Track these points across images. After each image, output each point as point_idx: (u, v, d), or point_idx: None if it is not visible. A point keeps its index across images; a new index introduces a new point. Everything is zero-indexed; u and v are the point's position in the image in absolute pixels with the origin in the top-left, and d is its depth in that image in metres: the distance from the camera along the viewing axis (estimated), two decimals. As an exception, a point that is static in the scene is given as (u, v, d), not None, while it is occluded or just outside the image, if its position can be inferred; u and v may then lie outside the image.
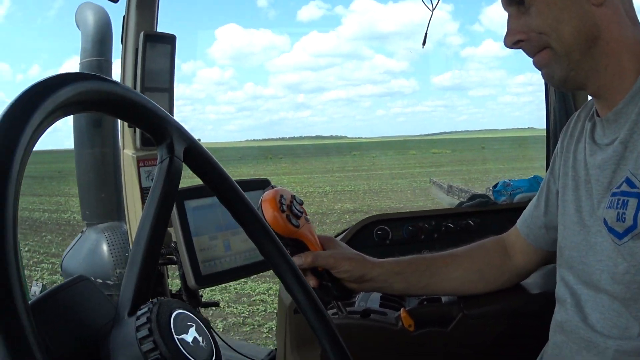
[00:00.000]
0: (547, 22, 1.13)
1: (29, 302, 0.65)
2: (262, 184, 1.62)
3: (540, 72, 1.21)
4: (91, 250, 3.77)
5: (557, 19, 1.12)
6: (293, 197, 1.31)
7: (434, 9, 1.99)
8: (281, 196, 1.25)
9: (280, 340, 1.65)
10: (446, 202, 17.87)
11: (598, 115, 1.24)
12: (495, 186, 2.81)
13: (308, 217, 1.34)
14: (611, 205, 1.09)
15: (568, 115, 1.46)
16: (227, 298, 7.71)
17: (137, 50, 1.91)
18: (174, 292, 2.13)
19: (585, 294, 1.18)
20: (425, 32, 2.09)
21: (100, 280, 3.48)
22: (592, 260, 1.15)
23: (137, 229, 0.76)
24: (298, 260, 1.30)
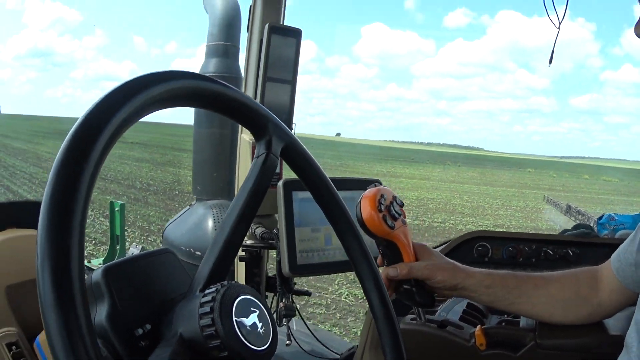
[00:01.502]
0: None
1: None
2: (370, 183, 1.61)
3: None
4: (196, 223, 3.94)
5: None
6: (394, 197, 1.30)
7: (560, 25, 1.93)
8: (382, 195, 1.25)
9: (362, 338, 1.67)
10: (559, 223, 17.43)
11: None
12: (600, 218, 2.73)
13: (406, 220, 1.33)
14: None
15: None
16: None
17: (261, 40, 1.98)
18: (270, 275, 2.23)
19: None
20: (552, 49, 2.03)
21: (199, 253, 3.64)
22: None
23: (225, 215, 0.83)
24: (393, 271, 1.31)
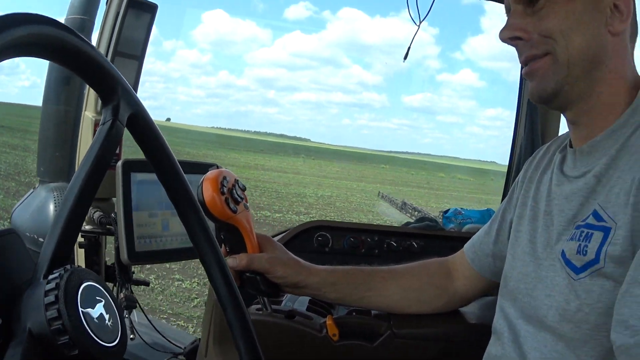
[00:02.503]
0: (560, 28, 1.10)
1: None
2: (209, 167, 1.58)
3: (520, 89, 1.18)
4: (39, 207, 3.72)
5: (571, 27, 1.09)
6: (236, 181, 1.28)
7: (420, 24, 2.02)
8: (224, 177, 1.22)
9: (205, 330, 1.63)
10: (397, 219, 17.97)
11: (571, 147, 1.22)
12: (446, 212, 2.80)
13: (248, 204, 1.31)
14: (573, 237, 1.06)
15: (534, 151, 1.47)
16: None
17: (118, 14, 1.93)
18: (109, 264, 2.12)
19: (526, 330, 1.16)
20: (408, 46, 2.11)
21: (42, 240, 3.44)
22: (540, 295, 1.13)
23: (67, 190, 0.73)
24: (232, 262, 1.29)
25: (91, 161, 0.76)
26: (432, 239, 2.38)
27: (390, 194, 26.73)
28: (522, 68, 1.19)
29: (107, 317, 0.66)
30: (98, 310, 0.66)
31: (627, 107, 1.11)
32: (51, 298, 0.61)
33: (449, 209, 2.83)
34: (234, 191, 1.24)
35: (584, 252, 1.01)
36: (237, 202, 1.25)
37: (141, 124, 0.86)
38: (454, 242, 1.81)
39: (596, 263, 0.99)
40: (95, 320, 0.64)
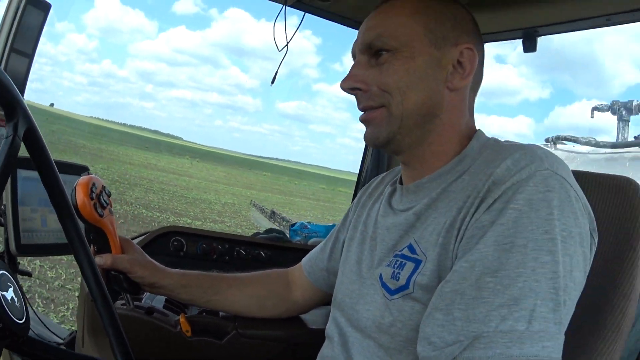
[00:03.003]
0: (398, 84, 1.15)
1: None
2: (81, 170, 1.65)
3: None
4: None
5: (409, 84, 1.15)
6: (103, 187, 1.35)
7: (286, 50, 2.10)
8: (93, 184, 1.29)
9: (80, 323, 1.68)
10: (266, 226, 17.90)
11: (401, 183, 1.30)
12: (293, 225, 2.98)
13: (113, 210, 1.39)
14: (390, 264, 1.15)
15: (379, 173, 1.64)
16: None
17: (17, 9, 1.90)
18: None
19: (353, 336, 1.24)
20: (276, 70, 2.20)
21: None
22: (361, 309, 1.21)
23: None
24: (99, 260, 1.38)
25: None
26: (279, 249, 2.52)
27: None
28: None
29: (16, 300, 0.77)
30: (10, 293, 0.76)
31: (456, 155, 1.19)
32: None
33: (295, 223, 3.01)
34: (101, 197, 1.33)
35: (397, 278, 1.11)
36: (103, 207, 1.32)
37: (32, 138, 0.99)
38: (299, 253, 1.85)
39: (406, 288, 1.09)
40: (9, 301, 0.75)
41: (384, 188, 1.41)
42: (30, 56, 2.00)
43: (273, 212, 20.65)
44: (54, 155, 1.05)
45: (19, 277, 1.63)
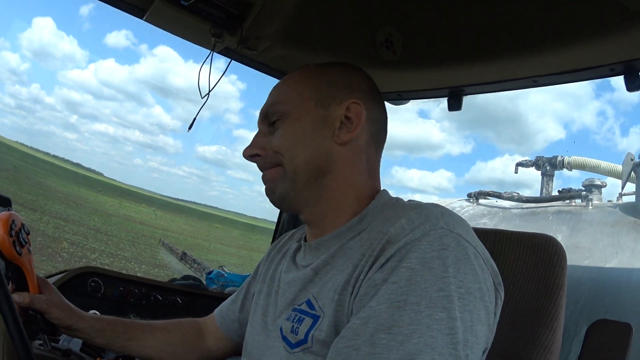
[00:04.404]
0: (287, 145, 1.21)
1: None
2: (2, 202, 1.57)
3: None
4: None
5: (296, 143, 1.21)
6: (23, 225, 1.33)
7: (207, 97, 2.11)
8: (13, 221, 1.27)
9: None
10: (177, 269, 17.57)
11: (305, 240, 1.33)
12: (209, 273, 2.98)
13: (31, 248, 1.37)
14: (289, 318, 1.16)
15: (296, 226, 1.63)
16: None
17: None
18: None
19: None
20: (194, 117, 2.19)
21: None
22: (267, 359, 1.22)
23: None
24: (18, 297, 1.34)
25: None
26: (196, 296, 2.52)
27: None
28: None
29: None
30: None
31: (356, 213, 1.22)
32: None
33: (212, 271, 3.01)
34: (21, 235, 1.31)
35: (296, 332, 1.12)
36: (22, 245, 1.31)
37: None
38: (216, 301, 1.83)
39: (305, 343, 1.10)
40: None
41: (291, 244, 1.44)
42: None
43: (184, 254, 20.35)
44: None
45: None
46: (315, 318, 1.10)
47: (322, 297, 1.12)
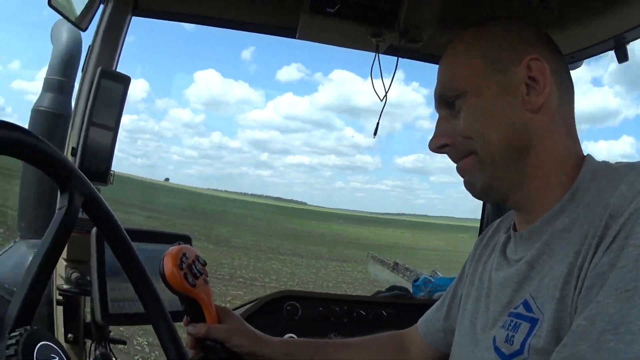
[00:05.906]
0: (475, 127, 1.07)
1: None
2: (179, 239, 1.65)
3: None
4: (18, 262, 3.72)
5: (486, 123, 1.07)
6: (197, 257, 1.33)
7: (385, 100, 2.07)
8: (184, 254, 1.27)
9: None
10: (390, 280, 17.78)
11: (515, 229, 1.17)
12: (415, 280, 2.84)
13: (208, 279, 1.36)
14: (504, 325, 1.04)
15: (500, 214, 1.46)
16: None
17: (92, 83, 1.97)
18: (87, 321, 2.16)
19: None
20: (377, 122, 2.13)
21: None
22: None
23: (30, 261, 0.86)
24: (192, 329, 1.33)
25: (49, 241, 0.88)
26: (402, 307, 2.41)
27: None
28: None
29: None
30: None
31: (566, 188, 1.05)
32: (11, 351, 0.71)
33: (418, 278, 2.87)
34: (194, 266, 1.30)
35: (511, 342, 1.00)
36: (196, 277, 1.30)
37: (95, 207, 1.01)
38: (423, 310, 1.71)
39: (520, 354, 0.97)
40: None
41: (499, 237, 1.27)
42: (113, 129, 2.05)
43: (396, 264, 20.47)
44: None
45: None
46: (533, 322, 0.97)
47: (540, 296, 0.98)
